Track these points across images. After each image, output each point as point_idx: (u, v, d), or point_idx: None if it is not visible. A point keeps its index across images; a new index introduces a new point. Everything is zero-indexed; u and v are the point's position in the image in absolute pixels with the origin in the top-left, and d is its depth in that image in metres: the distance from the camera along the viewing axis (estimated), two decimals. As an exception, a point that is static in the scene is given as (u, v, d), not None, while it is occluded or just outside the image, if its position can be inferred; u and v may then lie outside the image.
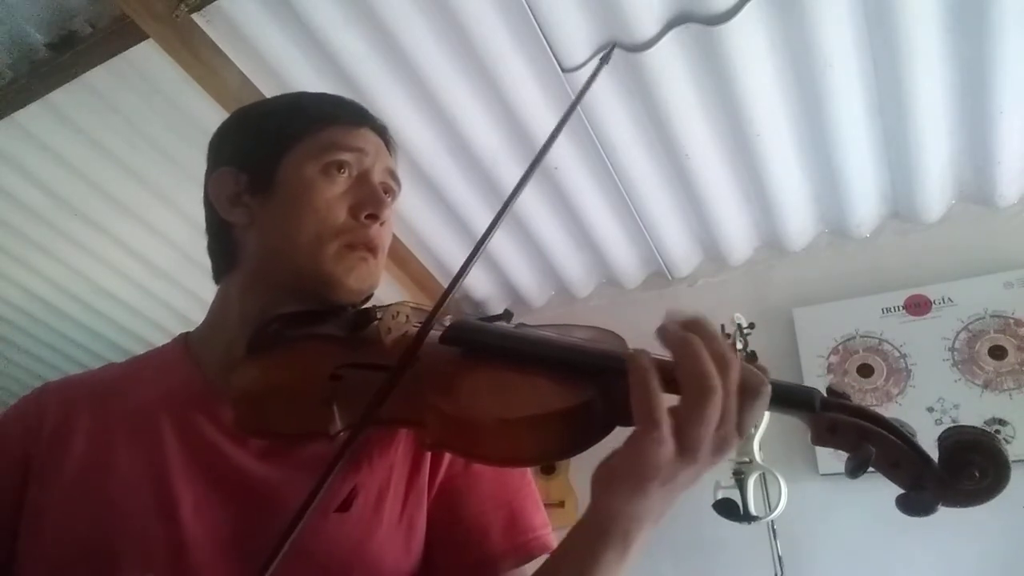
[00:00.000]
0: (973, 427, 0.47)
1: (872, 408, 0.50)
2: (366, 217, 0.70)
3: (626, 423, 0.52)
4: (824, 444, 0.50)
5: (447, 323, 0.62)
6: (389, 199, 0.75)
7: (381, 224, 0.72)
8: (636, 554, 0.53)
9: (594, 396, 0.50)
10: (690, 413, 0.47)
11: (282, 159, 0.71)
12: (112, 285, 2.47)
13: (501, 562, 0.65)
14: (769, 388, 0.48)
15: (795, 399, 0.51)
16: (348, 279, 0.69)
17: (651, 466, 0.48)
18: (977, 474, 0.46)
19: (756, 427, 1.72)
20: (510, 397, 0.53)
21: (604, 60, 0.73)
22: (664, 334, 0.50)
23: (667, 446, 0.47)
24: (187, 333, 0.78)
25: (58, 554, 0.60)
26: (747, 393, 0.48)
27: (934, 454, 0.49)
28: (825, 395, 0.51)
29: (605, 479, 0.51)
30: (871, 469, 0.48)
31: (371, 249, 0.71)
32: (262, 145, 0.73)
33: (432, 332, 0.60)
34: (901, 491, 0.48)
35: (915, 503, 0.47)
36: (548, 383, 0.53)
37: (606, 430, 0.52)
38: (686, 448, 0.47)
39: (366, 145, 0.73)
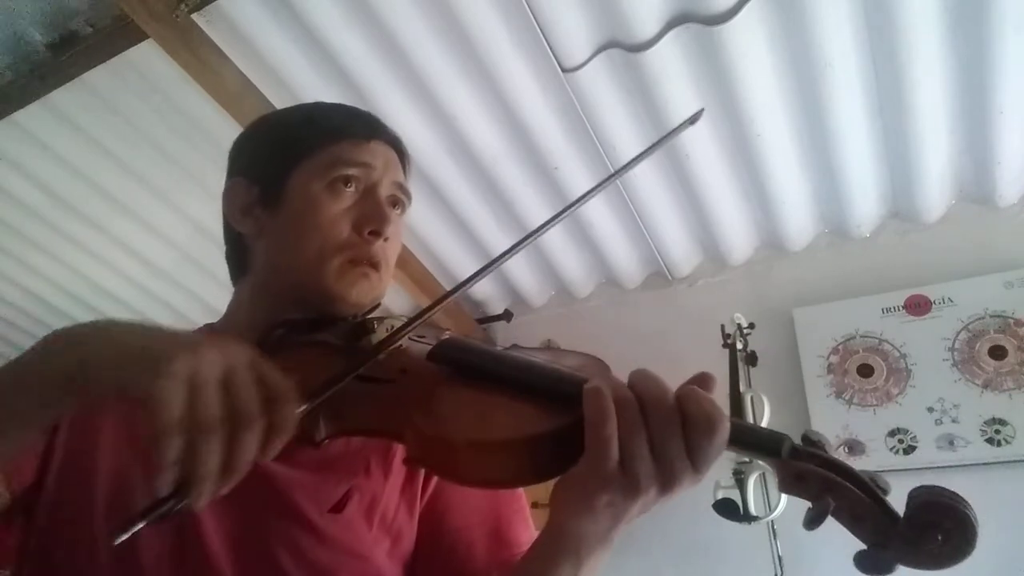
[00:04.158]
0: (945, 489, 0.46)
1: (844, 461, 0.49)
2: (369, 233, 0.71)
3: None
4: (790, 492, 0.49)
5: (439, 340, 0.62)
6: (398, 211, 0.76)
7: (385, 240, 0.72)
8: (591, 571, 0.53)
9: (570, 423, 0.50)
10: (592, 434, 0.47)
11: (291, 174, 0.72)
12: (112, 285, 2.47)
13: (484, 574, 0.66)
14: (724, 423, 0.47)
15: (760, 444, 0.50)
16: (349, 294, 0.70)
17: (594, 486, 0.48)
18: (940, 538, 0.44)
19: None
20: (486, 419, 0.53)
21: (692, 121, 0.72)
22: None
23: (607, 466, 0.47)
24: (212, 324, 0.79)
25: (77, 540, 0.60)
26: (693, 425, 0.47)
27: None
28: (798, 442, 0.50)
29: (556, 495, 0.51)
30: (833, 519, 0.47)
31: (373, 265, 0.72)
32: (273, 159, 0.74)
33: (423, 345, 0.61)
34: (863, 546, 0.47)
35: (873, 561, 0.46)
36: (526, 408, 0.53)
37: (575, 460, 0.51)
38: (626, 473, 0.47)
39: (373, 160, 0.74)
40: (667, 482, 0.48)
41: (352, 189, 0.72)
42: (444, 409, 0.55)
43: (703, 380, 0.50)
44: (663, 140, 0.66)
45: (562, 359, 0.61)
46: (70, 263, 2.35)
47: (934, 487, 0.46)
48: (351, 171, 0.72)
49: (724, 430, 0.47)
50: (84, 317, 2.62)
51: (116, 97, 1.76)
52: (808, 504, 0.48)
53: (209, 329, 0.78)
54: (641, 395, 0.48)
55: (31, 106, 1.76)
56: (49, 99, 1.75)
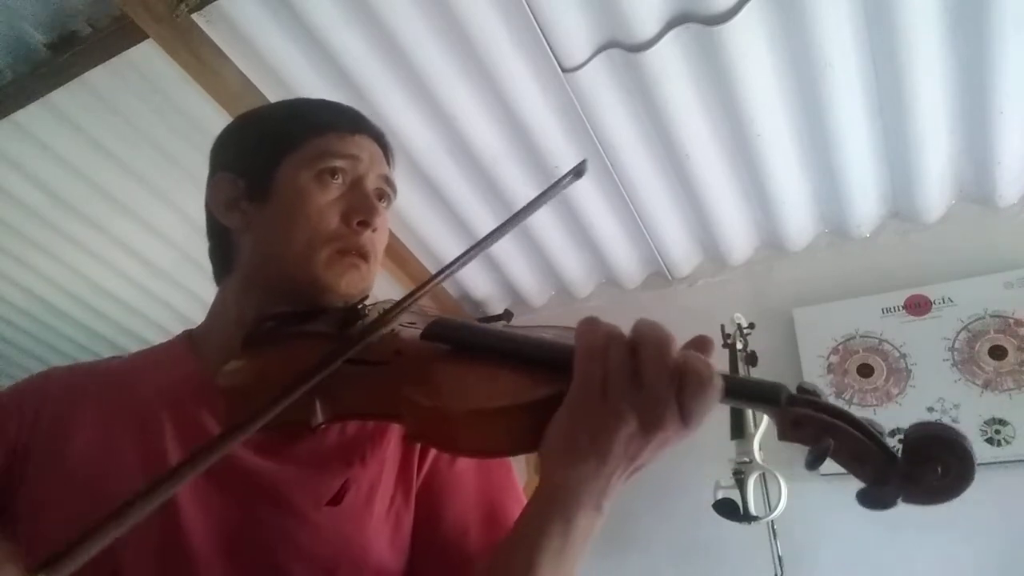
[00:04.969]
0: (939, 423, 0.47)
1: (840, 406, 0.50)
2: (358, 224, 0.72)
3: None
4: (789, 439, 0.50)
5: (432, 320, 0.63)
6: (384, 204, 0.77)
7: (373, 231, 0.73)
8: (583, 541, 0.53)
9: (565, 389, 0.51)
10: (578, 367, 0.50)
11: (278, 166, 0.73)
12: (112, 285, 2.47)
13: (480, 559, 0.66)
14: (714, 376, 0.48)
15: (759, 393, 0.51)
16: (339, 285, 0.70)
17: (575, 418, 0.50)
18: (940, 470, 0.45)
19: (756, 425, 1.72)
20: (483, 390, 0.54)
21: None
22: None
23: (590, 396, 0.49)
24: (190, 330, 0.79)
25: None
26: (683, 376, 0.48)
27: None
28: (794, 392, 0.51)
29: (544, 446, 0.52)
30: (836, 464, 0.48)
31: (363, 255, 0.72)
32: (259, 152, 0.75)
33: (414, 330, 0.62)
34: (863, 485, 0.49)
35: (875, 497, 0.47)
36: (521, 377, 0.54)
37: None
38: (607, 402, 0.48)
39: (360, 152, 0.75)
40: (650, 420, 0.48)
41: (339, 181, 0.73)
42: (442, 383, 0.56)
43: (700, 342, 0.52)
44: (548, 194, 0.69)
45: (564, 335, 0.62)
46: (70, 263, 2.35)
47: (929, 422, 0.47)
48: (338, 163, 0.72)
49: (717, 388, 0.48)
50: (84, 317, 2.64)
51: (116, 97, 1.76)
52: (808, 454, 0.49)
53: (188, 336, 0.78)
54: (638, 330, 0.50)
55: (31, 106, 1.76)
56: (49, 99, 1.75)
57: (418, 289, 0.63)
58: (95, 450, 0.65)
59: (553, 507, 0.52)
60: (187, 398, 0.68)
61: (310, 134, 0.74)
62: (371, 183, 0.75)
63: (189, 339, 0.77)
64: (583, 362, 0.50)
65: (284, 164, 0.73)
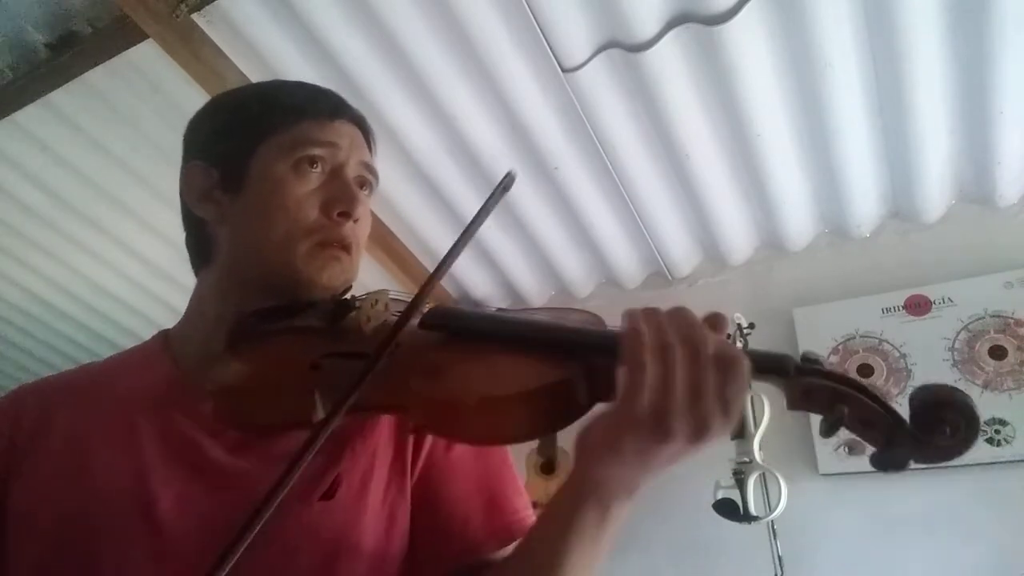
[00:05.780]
0: (942, 384, 0.48)
1: (845, 372, 0.51)
2: (338, 215, 0.69)
3: (607, 399, 0.52)
4: (799, 408, 0.50)
5: (426, 310, 0.62)
6: (366, 192, 0.74)
7: (355, 221, 0.70)
8: (615, 527, 0.53)
9: (575, 373, 0.51)
10: (629, 379, 0.47)
11: (253, 155, 0.70)
12: (112, 285, 2.48)
13: (484, 546, 0.65)
14: (745, 360, 0.47)
15: (769, 365, 0.51)
16: (320, 278, 0.68)
17: (625, 430, 0.48)
18: (948, 430, 0.46)
19: (756, 425, 1.72)
20: (490, 376, 0.53)
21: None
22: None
23: (640, 413, 0.47)
24: (167, 329, 0.77)
25: (41, 555, 0.60)
26: (719, 365, 0.47)
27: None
28: (799, 361, 0.51)
29: (582, 442, 0.51)
30: (847, 431, 0.49)
31: (344, 247, 0.70)
32: (233, 140, 0.72)
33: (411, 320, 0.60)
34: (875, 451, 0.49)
35: (888, 459, 0.48)
36: (529, 361, 0.53)
37: (587, 407, 0.53)
38: (655, 418, 0.46)
39: (339, 139, 0.71)
40: (699, 431, 0.47)
41: (318, 170, 0.69)
42: (448, 371, 0.55)
43: (716, 322, 0.51)
44: (485, 211, 0.65)
45: (562, 316, 0.61)
46: (70, 263, 2.35)
47: (931, 385, 0.48)
48: (316, 151, 0.69)
49: (747, 373, 0.47)
50: (84, 317, 2.64)
51: (116, 97, 1.76)
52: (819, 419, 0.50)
53: (164, 337, 0.76)
54: (684, 342, 0.47)
55: (31, 106, 1.76)
56: (49, 99, 1.75)
57: (426, 284, 0.60)
58: (69, 459, 0.63)
59: (591, 493, 0.52)
60: (162, 400, 0.66)
61: (286, 120, 0.70)
62: (351, 171, 0.72)
63: (165, 339, 0.75)
64: (631, 380, 0.47)
65: (259, 153, 0.69)
